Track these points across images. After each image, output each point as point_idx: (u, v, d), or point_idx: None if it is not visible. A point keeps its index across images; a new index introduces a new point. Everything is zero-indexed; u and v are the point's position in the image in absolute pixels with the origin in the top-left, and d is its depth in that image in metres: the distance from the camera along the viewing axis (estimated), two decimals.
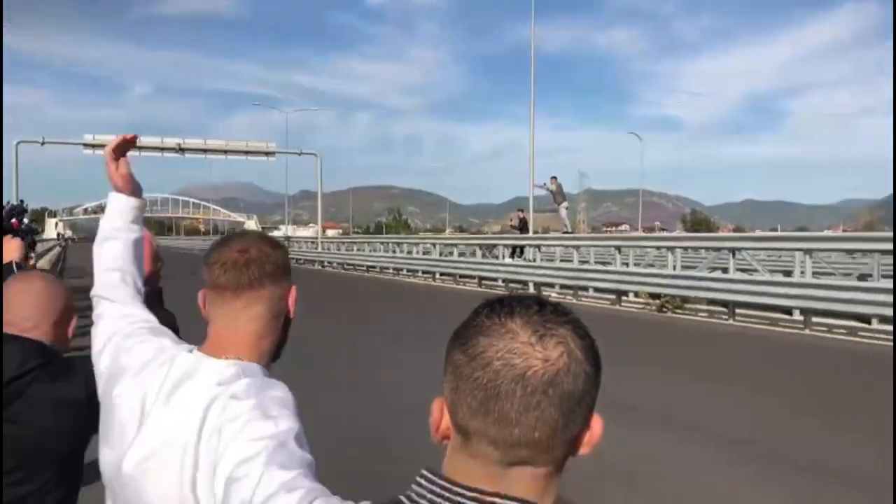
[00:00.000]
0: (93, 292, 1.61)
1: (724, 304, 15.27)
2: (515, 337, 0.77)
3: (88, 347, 1.51)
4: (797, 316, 13.97)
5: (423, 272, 28.35)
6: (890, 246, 13.83)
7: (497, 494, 0.75)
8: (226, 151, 51.35)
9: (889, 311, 11.93)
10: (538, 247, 23.55)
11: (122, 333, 1.43)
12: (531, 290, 19.58)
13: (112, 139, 1.63)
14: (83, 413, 1.71)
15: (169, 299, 2.93)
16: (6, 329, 1.86)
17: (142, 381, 1.30)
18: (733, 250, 15.83)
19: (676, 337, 13.36)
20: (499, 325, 0.78)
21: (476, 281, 23.96)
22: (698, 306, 16.37)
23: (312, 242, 47.98)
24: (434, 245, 30.45)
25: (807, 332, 13.06)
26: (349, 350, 11.25)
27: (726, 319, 14.80)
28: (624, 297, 18.13)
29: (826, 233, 20.80)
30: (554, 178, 24.90)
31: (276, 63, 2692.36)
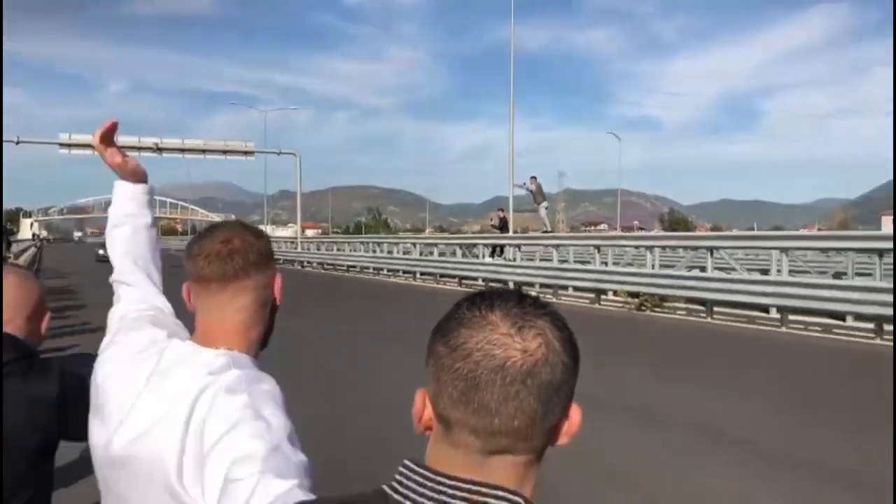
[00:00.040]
0: (112, 278, 1.66)
1: (702, 302, 15.41)
2: (495, 329, 0.78)
3: (64, 348, 1.52)
4: (774, 314, 14.14)
5: (404, 272, 28.36)
6: (859, 244, 14.04)
7: (474, 482, 0.77)
8: (204, 151, 50.95)
9: (863, 309, 12.12)
10: (518, 246, 23.62)
11: (129, 318, 1.48)
12: None
13: (95, 134, 1.65)
14: (54, 412, 1.71)
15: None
16: None
17: (136, 364, 1.31)
18: (711, 249, 15.98)
19: (655, 335, 13.46)
20: (479, 318, 0.80)
21: (457, 280, 24.01)
22: (677, 305, 16.52)
23: (292, 242, 47.75)
24: (414, 245, 30.46)
25: (783, 329, 13.22)
26: (335, 350, 11.23)
27: (704, 318, 14.95)
28: (603, 296, 18.26)
29: (802, 232, 21.05)
30: (534, 177, 24.99)
31: (255, 62, 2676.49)
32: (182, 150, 50.13)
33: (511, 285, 20.40)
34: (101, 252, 46.09)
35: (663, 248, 19.98)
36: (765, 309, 14.44)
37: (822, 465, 5.55)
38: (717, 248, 16.25)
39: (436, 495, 0.77)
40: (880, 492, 4.92)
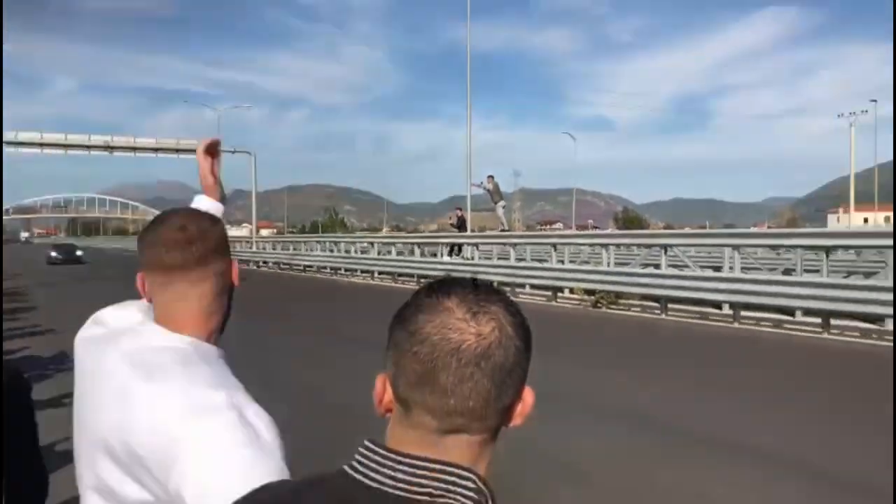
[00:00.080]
0: None
1: (657, 299, 15.69)
2: (451, 314, 0.82)
3: (14, 351, 1.50)
4: (726, 310, 14.46)
5: (362, 271, 28.29)
6: (808, 242, 14.44)
7: (430, 460, 0.81)
8: (156, 150, 50.08)
9: (812, 304, 12.46)
10: (476, 245, 23.76)
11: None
12: None
13: (201, 141, 1.75)
14: None
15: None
16: None
17: (109, 349, 1.31)
18: (665, 247, 16.28)
19: (611, 332, 13.67)
20: (436, 304, 0.84)
21: (415, 279, 24.02)
22: (632, 302, 16.79)
23: (247, 242, 47.24)
24: (372, 244, 30.39)
25: (736, 325, 13.53)
26: (292, 350, 11.17)
27: (659, 314, 15.22)
28: (560, 294, 18.47)
29: (752, 229, 21.53)
30: (491, 177, 25.13)
31: (208, 60, 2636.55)
32: (134, 150, 49.24)
33: None
34: (53, 254, 45.01)
35: (618, 246, 20.30)
36: (717, 305, 14.77)
37: (780, 454, 5.72)
38: (671, 245, 16.57)
39: (394, 473, 0.81)
40: (814, 471, 5.11)
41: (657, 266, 16.28)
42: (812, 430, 6.53)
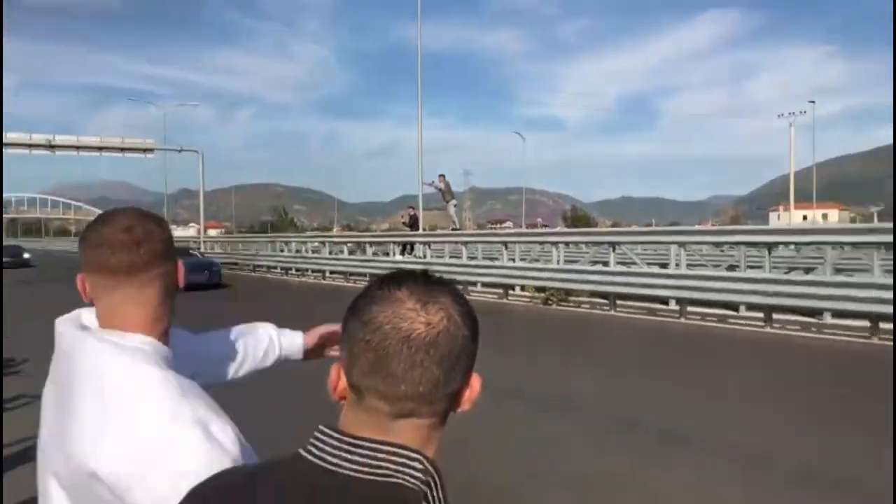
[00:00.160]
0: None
1: (605, 295, 15.96)
2: (402, 304, 0.88)
3: None
4: (673, 305, 14.80)
5: (313, 271, 28.12)
6: (750, 238, 14.85)
7: (381, 442, 0.87)
8: (100, 149, 48.80)
9: (754, 299, 12.84)
10: (428, 244, 23.83)
11: None
12: None
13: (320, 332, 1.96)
14: None
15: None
16: None
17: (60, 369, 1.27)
18: (613, 245, 16.56)
19: (561, 328, 13.88)
20: (388, 295, 0.89)
21: (367, 279, 23.94)
22: (581, 298, 17.06)
23: (195, 242, 46.45)
24: (324, 243, 30.19)
25: (682, 320, 13.86)
26: None
27: (608, 310, 15.49)
28: (511, 291, 18.64)
29: (697, 227, 22.02)
30: (442, 176, 25.22)
31: (153, 57, 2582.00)
32: (77, 148, 47.93)
33: None
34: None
35: (567, 244, 20.56)
36: (664, 301, 15.11)
37: (717, 440, 5.92)
38: (619, 243, 16.87)
39: (349, 455, 0.86)
40: (757, 460, 5.31)
41: (606, 263, 16.55)
42: (752, 418, 6.76)
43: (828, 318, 12.68)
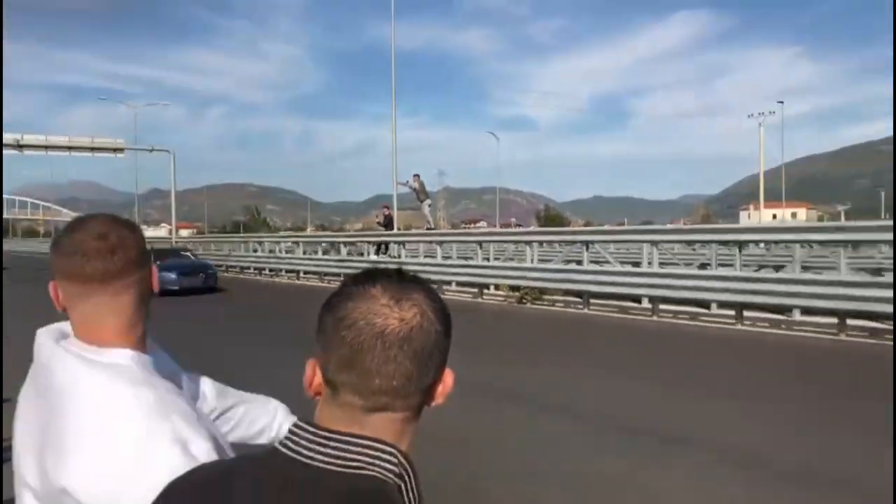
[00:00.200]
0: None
1: (579, 294, 16.07)
2: (376, 301, 0.90)
3: None
4: (646, 303, 14.94)
5: (287, 271, 27.96)
6: (721, 237, 15.04)
7: (355, 435, 0.88)
8: (70, 148, 48.04)
9: (725, 297, 13.00)
10: (403, 243, 23.82)
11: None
12: None
13: None
14: None
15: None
16: None
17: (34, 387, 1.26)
18: (586, 244, 16.68)
19: (535, 326, 13.96)
20: (363, 292, 0.92)
21: (342, 279, 23.85)
22: (555, 297, 17.16)
23: (166, 243, 45.93)
24: (297, 243, 30.03)
25: (655, 318, 13.99)
26: (218, 353, 10.99)
27: (581, 309, 15.59)
28: (486, 290, 18.69)
29: (669, 226, 22.24)
30: (416, 175, 25.25)
31: (123, 55, 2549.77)
32: (46, 148, 47.15)
33: None
34: None
35: (541, 243, 20.66)
36: (637, 299, 15.25)
37: (682, 434, 6.00)
38: (592, 242, 16.98)
39: (324, 448, 0.88)
40: (726, 454, 5.40)
41: (579, 262, 16.66)
42: (722, 414, 6.85)
43: (797, 315, 12.88)
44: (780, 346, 11.04)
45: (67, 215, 76.99)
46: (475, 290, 18.77)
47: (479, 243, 20.32)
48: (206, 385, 1.63)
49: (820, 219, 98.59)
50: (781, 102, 62.49)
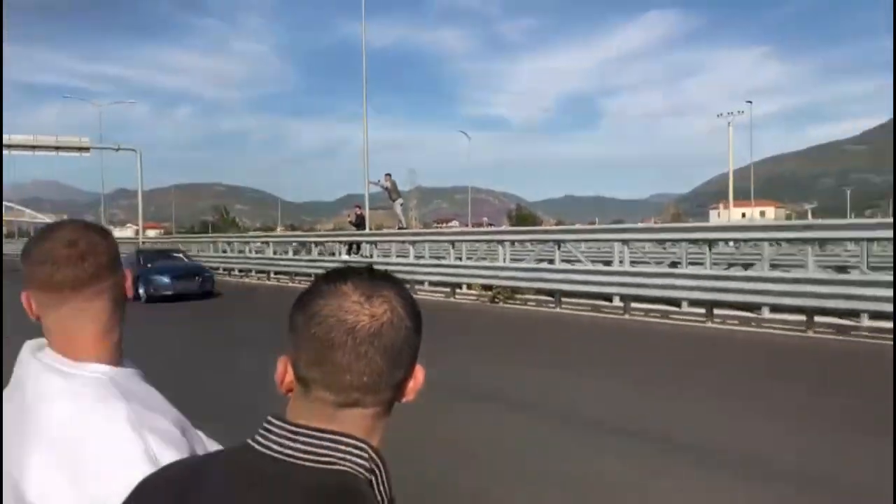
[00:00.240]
0: None
1: (551, 293, 16.13)
2: (347, 297, 0.90)
3: None
4: (617, 302, 15.03)
5: (257, 271, 27.75)
6: (692, 236, 15.19)
7: (326, 430, 0.89)
8: (34, 147, 47.26)
9: (696, 295, 13.12)
10: (375, 243, 23.75)
11: None
12: None
13: None
14: None
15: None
16: None
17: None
18: (558, 243, 16.75)
19: (508, 325, 13.98)
20: (334, 289, 0.91)
21: (313, 279, 23.72)
22: (527, 296, 17.21)
23: (133, 243, 45.37)
24: (267, 243, 29.81)
25: (626, 316, 14.08)
26: (188, 355, 10.86)
27: (553, 307, 15.66)
28: (458, 290, 18.70)
29: (640, 225, 22.44)
30: (388, 175, 25.21)
31: (86, 52, 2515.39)
32: (9, 147, 46.30)
33: None
34: None
35: (513, 242, 20.71)
36: (609, 298, 15.34)
37: (657, 432, 6.03)
38: (564, 241, 17.07)
39: (291, 442, 0.88)
40: (694, 447, 5.43)
41: (551, 261, 16.73)
42: (693, 411, 6.91)
43: (766, 313, 13.03)
44: (750, 343, 11.17)
45: (31, 216, 75.54)
46: (448, 289, 18.77)
47: (452, 243, 20.32)
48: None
49: (788, 217, 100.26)
50: (750, 102, 63.39)
